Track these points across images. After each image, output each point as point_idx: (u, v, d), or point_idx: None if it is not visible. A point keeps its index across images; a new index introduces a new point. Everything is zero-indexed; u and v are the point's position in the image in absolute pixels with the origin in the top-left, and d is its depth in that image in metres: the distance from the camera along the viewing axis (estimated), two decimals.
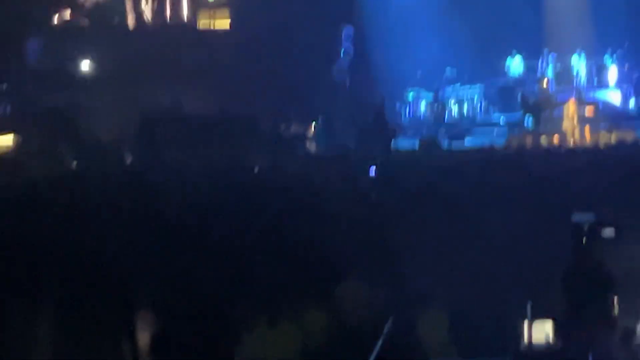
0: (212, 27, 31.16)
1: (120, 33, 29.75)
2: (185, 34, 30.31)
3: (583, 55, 31.10)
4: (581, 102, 28.43)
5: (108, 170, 15.40)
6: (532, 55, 31.47)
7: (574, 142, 25.53)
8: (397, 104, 30.95)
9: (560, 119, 28.25)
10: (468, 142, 27.16)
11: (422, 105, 31.10)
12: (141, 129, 21.27)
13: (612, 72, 30.82)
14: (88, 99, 25.05)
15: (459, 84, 31.10)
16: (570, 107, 28.13)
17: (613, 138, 23.86)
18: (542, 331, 10.09)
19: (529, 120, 29.01)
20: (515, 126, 29.29)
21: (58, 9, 29.50)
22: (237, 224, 11.51)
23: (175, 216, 11.55)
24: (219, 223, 11.44)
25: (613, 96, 30.32)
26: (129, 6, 30.22)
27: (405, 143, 26.50)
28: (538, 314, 10.19)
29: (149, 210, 11.56)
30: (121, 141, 20.09)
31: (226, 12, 31.17)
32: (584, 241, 10.47)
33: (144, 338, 9.53)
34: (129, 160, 18.92)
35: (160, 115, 23.13)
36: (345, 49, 31.02)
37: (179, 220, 11.32)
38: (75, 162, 17.99)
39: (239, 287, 10.12)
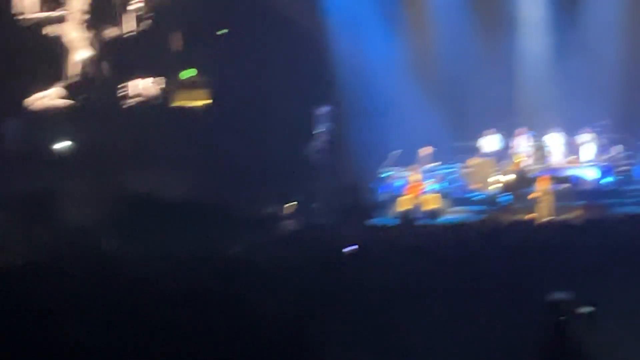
0: (188, 108, 31.22)
1: (96, 115, 29.74)
2: (161, 115, 30.32)
3: (559, 132, 31.36)
4: (556, 179, 28.59)
5: (83, 257, 15.26)
6: (507, 134, 31.72)
7: (549, 218, 25.56)
8: (374, 183, 31.06)
9: (535, 195, 28.33)
10: (445, 219, 27.18)
11: (399, 184, 31.15)
12: (116, 214, 21.15)
13: (588, 149, 31.06)
14: (64, 183, 24.94)
15: (435, 163, 31.21)
16: (545, 184, 28.26)
17: (587, 215, 23.95)
18: None
19: (504, 197, 29.14)
20: (491, 203, 29.38)
21: (35, 90, 29.55)
22: (214, 308, 11.37)
23: (150, 303, 11.39)
24: (196, 309, 11.30)
25: (588, 173, 30.50)
26: (105, 88, 30.29)
27: (382, 221, 26.53)
28: None
29: (125, 297, 11.43)
30: (96, 227, 19.94)
31: (202, 92, 31.28)
32: (559, 320, 10.43)
33: None
34: (104, 246, 18.78)
35: (136, 200, 23.01)
36: (323, 129, 31.14)
37: (154, 307, 11.16)
38: (49, 248, 17.86)
39: None
